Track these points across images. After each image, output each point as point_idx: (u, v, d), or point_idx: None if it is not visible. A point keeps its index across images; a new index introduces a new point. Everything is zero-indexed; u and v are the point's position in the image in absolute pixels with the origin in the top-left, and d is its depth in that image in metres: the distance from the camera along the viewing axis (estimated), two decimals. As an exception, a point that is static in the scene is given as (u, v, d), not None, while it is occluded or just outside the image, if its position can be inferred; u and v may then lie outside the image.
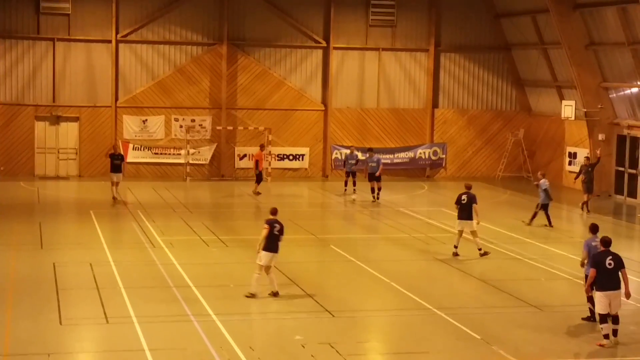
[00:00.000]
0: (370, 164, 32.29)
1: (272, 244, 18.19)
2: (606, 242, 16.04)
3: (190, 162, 37.29)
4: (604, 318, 15.73)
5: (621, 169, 34.52)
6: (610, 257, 15.79)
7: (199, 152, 37.66)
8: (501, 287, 19.90)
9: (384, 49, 39.20)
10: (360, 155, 35.46)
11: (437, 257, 22.96)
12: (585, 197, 30.29)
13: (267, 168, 36.65)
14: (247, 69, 38.14)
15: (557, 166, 38.18)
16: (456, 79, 40.10)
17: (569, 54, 34.46)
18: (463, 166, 40.06)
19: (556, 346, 15.79)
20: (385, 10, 38.88)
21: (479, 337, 15.99)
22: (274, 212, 18.55)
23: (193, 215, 28.43)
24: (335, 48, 38.64)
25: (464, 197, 22.66)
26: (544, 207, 27.59)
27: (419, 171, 39.65)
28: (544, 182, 27.65)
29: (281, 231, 18.33)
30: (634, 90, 33.49)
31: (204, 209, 30.97)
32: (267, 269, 18.27)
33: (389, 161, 38.64)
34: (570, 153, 37.17)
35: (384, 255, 23.43)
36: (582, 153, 36.00)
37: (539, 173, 28.93)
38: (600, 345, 15.63)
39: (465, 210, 22.61)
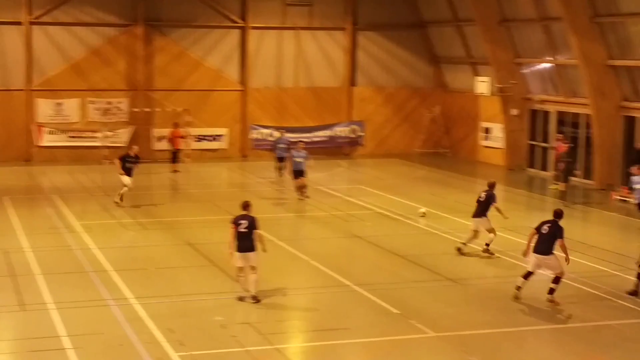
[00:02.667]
0: (295, 159, 28.22)
1: (242, 242, 16.57)
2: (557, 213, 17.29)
3: (108, 145, 36.78)
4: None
5: (534, 143, 35.27)
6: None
7: (116, 134, 37.15)
8: (418, 261, 20.23)
9: (301, 28, 39.18)
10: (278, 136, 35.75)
11: (356, 234, 23.17)
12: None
13: (186, 149, 36.46)
14: (164, 50, 37.72)
15: (472, 141, 38.80)
16: (373, 57, 40.34)
17: (483, 31, 35.01)
18: (381, 143, 40.39)
19: (471, 318, 16.16)
20: (301, -11, 38.88)
21: (397, 312, 16.24)
22: (244, 206, 16.93)
23: (111, 199, 28.08)
24: (252, 28, 38.47)
25: (482, 194, 21.03)
26: None
27: (338, 149, 39.84)
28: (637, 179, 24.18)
29: (252, 226, 16.58)
30: (545, 65, 34.21)
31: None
32: (251, 269, 16.70)
33: (307, 140, 38.69)
34: (485, 128, 37.80)
35: (303, 233, 23.59)
36: (497, 128, 36.68)
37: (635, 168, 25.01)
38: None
39: (480, 208, 20.90)
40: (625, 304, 16.88)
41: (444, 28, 39.24)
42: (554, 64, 33.42)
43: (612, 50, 30.16)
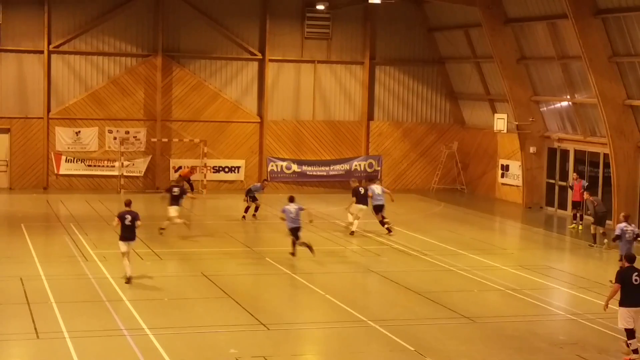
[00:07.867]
0: (255, 192, 30.75)
1: (125, 233, 20.54)
2: (631, 258, 16.08)
3: (125, 174, 36.91)
4: (631, 333, 15.62)
5: (552, 181, 35.14)
6: (636, 274, 15.72)
7: (133, 164, 37.30)
8: (434, 298, 20.09)
9: (319, 62, 39.36)
10: (295, 168, 36.27)
11: (372, 269, 23.06)
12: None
13: (202, 180, 36.59)
14: (182, 80, 37.94)
15: (490, 178, 38.71)
16: (391, 91, 40.44)
17: (501, 68, 35.03)
18: (398, 178, 40.35)
19: (487, 357, 15.99)
20: (320, 22, 39.04)
21: (412, 349, 16.10)
22: (127, 203, 20.88)
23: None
24: (270, 60, 38.67)
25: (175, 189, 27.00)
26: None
27: (355, 183, 39.75)
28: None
29: (134, 220, 20.54)
30: (564, 103, 34.17)
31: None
32: (127, 255, 20.40)
33: (324, 174, 38.89)
34: (502, 165, 37.72)
35: (319, 267, 23.45)
36: (515, 165, 36.58)
37: None
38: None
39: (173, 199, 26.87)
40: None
41: (462, 64, 39.32)
42: (572, 103, 33.38)
43: (630, 90, 30.09)
